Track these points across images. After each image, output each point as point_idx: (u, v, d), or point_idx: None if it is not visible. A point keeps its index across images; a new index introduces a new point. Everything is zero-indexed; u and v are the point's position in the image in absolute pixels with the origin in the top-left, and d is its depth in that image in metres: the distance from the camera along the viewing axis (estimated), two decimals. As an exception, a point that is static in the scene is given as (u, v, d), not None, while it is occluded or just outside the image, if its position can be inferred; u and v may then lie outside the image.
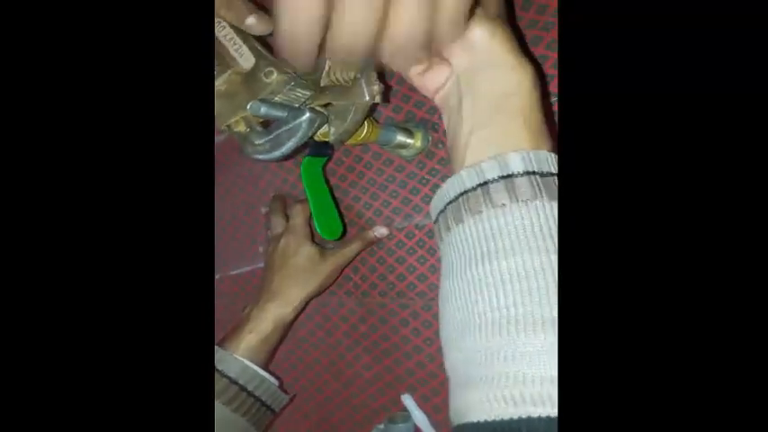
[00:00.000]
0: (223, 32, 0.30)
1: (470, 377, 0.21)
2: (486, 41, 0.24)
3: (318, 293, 0.42)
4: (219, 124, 0.31)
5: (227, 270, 0.51)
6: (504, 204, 0.22)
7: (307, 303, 0.42)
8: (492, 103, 0.24)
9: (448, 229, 0.24)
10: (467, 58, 0.25)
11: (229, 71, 0.30)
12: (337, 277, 0.42)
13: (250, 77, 0.30)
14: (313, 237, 0.43)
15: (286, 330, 0.42)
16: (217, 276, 0.51)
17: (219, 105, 0.30)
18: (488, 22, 0.24)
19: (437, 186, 0.38)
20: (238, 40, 0.30)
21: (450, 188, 0.24)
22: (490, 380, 0.20)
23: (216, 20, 0.30)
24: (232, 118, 0.30)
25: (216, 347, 0.40)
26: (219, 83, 0.30)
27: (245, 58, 0.30)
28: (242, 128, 0.30)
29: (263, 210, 0.48)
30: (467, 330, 0.22)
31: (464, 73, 0.25)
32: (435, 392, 0.38)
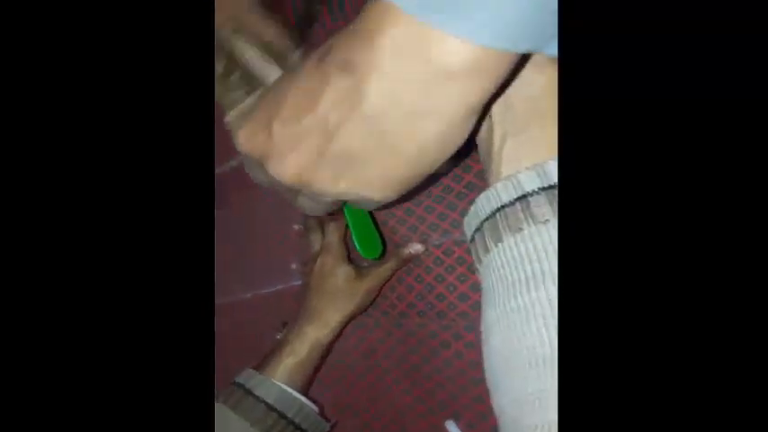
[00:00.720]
0: (247, 55, 0.30)
1: (524, 424, 0.19)
2: None
3: (357, 314, 0.42)
4: None
5: (258, 288, 0.51)
6: (548, 220, 0.20)
7: (345, 325, 0.41)
8: (524, 105, 0.23)
9: (486, 249, 0.23)
10: None
11: (260, 89, 0.29)
12: (375, 297, 0.42)
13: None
14: (349, 255, 0.42)
15: (325, 353, 0.42)
16: (248, 295, 0.51)
17: None
18: None
19: (475, 201, 0.36)
20: (263, 61, 0.30)
21: (485, 203, 0.23)
22: (549, 429, 0.18)
23: (239, 44, 0.29)
24: None
25: (254, 372, 0.40)
26: (251, 101, 0.29)
27: (275, 75, 0.29)
28: None
29: (296, 226, 0.48)
30: (515, 368, 0.20)
31: None
32: (482, 417, 0.37)
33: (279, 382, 0.40)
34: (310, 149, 0.21)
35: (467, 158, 0.37)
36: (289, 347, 0.41)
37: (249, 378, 0.40)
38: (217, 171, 0.52)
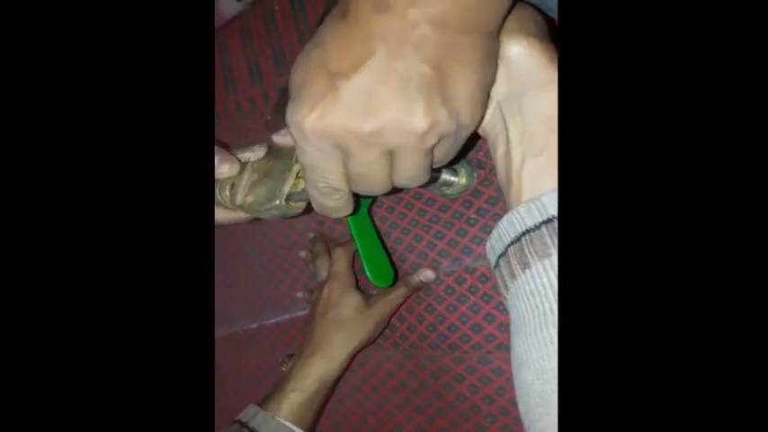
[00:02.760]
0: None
1: None
2: (525, 59, 0.23)
3: (366, 346, 0.41)
4: (278, 202, 0.30)
5: (264, 319, 0.50)
6: None
7: (353, 357, 0.40)
8: (541, 126, 0.23)
9: (513, 276, 0.22)
10: (505, 79, 0.23)
11: (248, 165, 0.31)
12: (384, 327, 0.41)
13: (274, 151, 0.30)
14: (357, 283, 0.42)
15: (332, 388, 0.41)
16: (254, 326, 0.50)
17: (264, 189, 0.30)
18: (524, 37, 0.23)
19: (487, 227, 0.36)
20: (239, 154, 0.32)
21: (508, 227, 0.23)
22: None
23: None
24: (286, 187, 0.30)
25: (257, 409, 0.39)
26: (248, 178, 0.31)
27: (255, 153, 0.31)
28: (302, 186, 0.30)
29: (302, 253, 0.47)
30: (551, 405, 0.20)
31: (505, 97, 0.24)
32: (499, 458, 0.36)
33: (284, 419, 0.39)
34: (393, 90, 0.20)
35: (476, 183, 0.37)
36: (294, 382, 0.40)
37: (253, 416, 0.39)
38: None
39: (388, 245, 0.42)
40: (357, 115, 0.21)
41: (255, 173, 0.30)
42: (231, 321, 0.52)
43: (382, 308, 0.40)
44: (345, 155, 0.23)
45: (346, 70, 0.20)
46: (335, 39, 0.21)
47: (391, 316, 0.41)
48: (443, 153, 0.24)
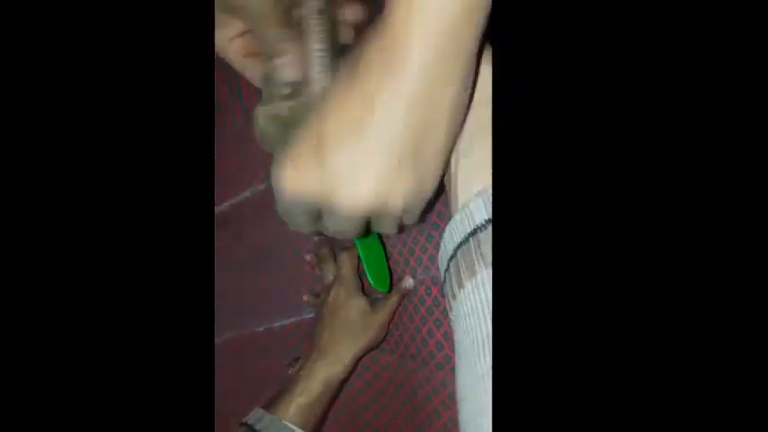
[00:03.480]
0: (317, 46, 0.27)
1: None
2: None
3: (370, 349, 0.41)
4: (269, 147, 0.29)
5: (271, 322, 0.52)
6: None
7: (358, 360, 0.41)
8: (471, 122, 0.21)
9: (453, 295, 0.21)
10: None
11: (298, 99, 0.27)
12: (387, 332, 0.40)
13: None
14: (363, 287, 0.41)
15: (338, 391, 0.42)
16: (260, 329, 0.52)
17: (276, 128, 0.28)
18: None
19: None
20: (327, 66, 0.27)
21: (448, 239, 0.21)
22: None
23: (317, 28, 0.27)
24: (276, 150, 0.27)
25: (264, 412, 0.42)
26: (283, 107, 0.28)
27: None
28: None
29: (308, 257, 0.48)
30: None
31: None
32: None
33: (289, 422, 0.41)
34: (383, 161, 0.20)
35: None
36: (300, 385, 0.41)
37: (259, 419, 0.41)
38: (231, 202, 0.55)
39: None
40: (341, 187, 0.21)
41: (289, 110, 0.27)
42: (238, 325, 0.55)
43: (386, 312, 0.40)
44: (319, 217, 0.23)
45: (335, 143, 0.20)
46: (338, 104, 0.20)
47: (390, 321, 0.40)
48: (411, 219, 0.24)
